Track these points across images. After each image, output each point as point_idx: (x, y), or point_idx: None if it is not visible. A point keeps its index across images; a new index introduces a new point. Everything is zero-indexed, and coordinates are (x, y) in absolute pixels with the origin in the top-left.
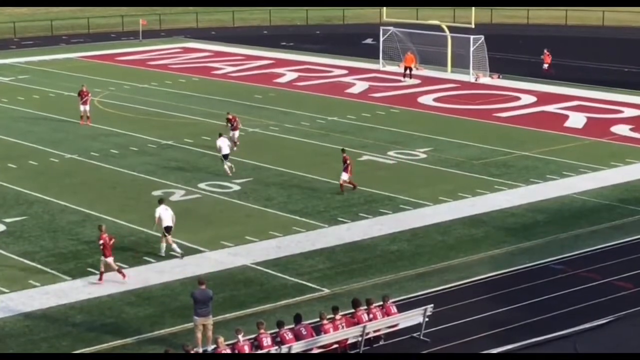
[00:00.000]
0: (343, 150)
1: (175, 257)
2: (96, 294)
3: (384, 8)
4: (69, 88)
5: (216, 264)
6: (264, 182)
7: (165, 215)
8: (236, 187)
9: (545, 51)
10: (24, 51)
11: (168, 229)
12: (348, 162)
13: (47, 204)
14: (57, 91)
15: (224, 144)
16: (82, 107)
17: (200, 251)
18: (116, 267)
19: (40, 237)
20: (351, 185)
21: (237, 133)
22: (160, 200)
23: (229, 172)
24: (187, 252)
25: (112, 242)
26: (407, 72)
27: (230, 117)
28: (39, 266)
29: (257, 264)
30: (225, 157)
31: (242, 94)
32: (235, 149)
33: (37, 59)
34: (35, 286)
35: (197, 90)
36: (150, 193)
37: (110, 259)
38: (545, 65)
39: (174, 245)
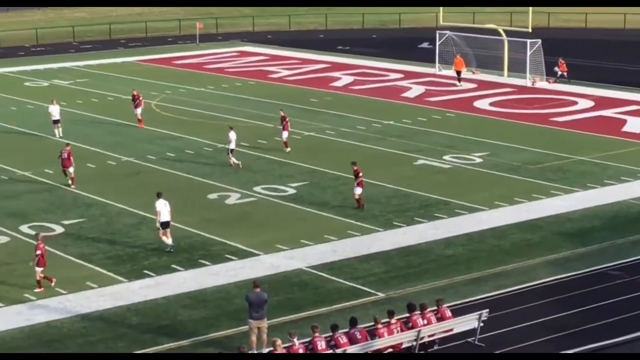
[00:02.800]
0: (354, 163)
1: (229, 259)
2: (152, 296)
3: (441, 11)
4: (126, 91)
5: (271, 268)
6: (319, 186)
7: (164, 210)
8: (292, 191)
9: (560, 60)
10: (83, 55)
11: (166, 225)
12: (360, 175)
13: (105, 207)
14: (115, 94)
15: (233, 138)
16: (136, 111)
17: (256, 254)
18: (40, 277)
19: (97, 239)
20: (361, 203)
21: (286, 134)
22: (159, 194)
23: (232, 165)
24: (243, 255)
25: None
26: (458, 76)
27: (282, 114)
28: (96, 268)
29: (312, 267)
30: (232, 151)
31: (298, 98)
32: (287, 150)
33: (95, 63)
34: (92, 288)
35: (253, 93)
36: (206, 196)
37: (40, 269)
38: (558, 72)
39: (169, 241)
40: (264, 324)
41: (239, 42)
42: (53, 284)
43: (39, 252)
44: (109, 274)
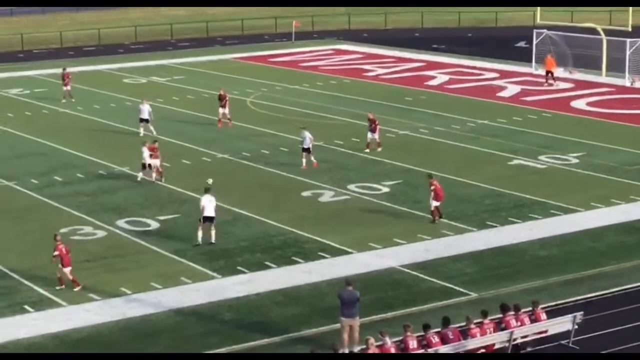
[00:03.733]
0: (430, 176)
1: (322, 257)
2: (245, 292)
3: (538, 10)
4: (222, 89)
5: (364, 266)
6: (413, 185)
7: (209, 205)
8: (385, 189)
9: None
10: (180, 52)
11: (209, 219)
12: (435, 187)
13: (198, 203)
14: (211, 92)
15: (307, 137)
16: (220, 110)
17: (348, 252)
18: (71, 278)
19: (191, 235)
20: (435, 216)
21: (376, 135)
22: (207, 190)
23: (304, 165)
24: (335, 253)
25: (69, 253)
26: (549, 75)
27: (371, 117)
28: (190, 263)
29: (405, 266)
30: (306, 150)
31: (392, 96)
32: (379, 149)
33: (192, 60)
34: (186, 283)
35: (348, 92)
36: (300, 193)
37: (67, 269)
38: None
39: (200, 236)
40: (356, 322)
41: (335, 40)
42: (78, 288)
43: (56, 252)
44: (203, 269)
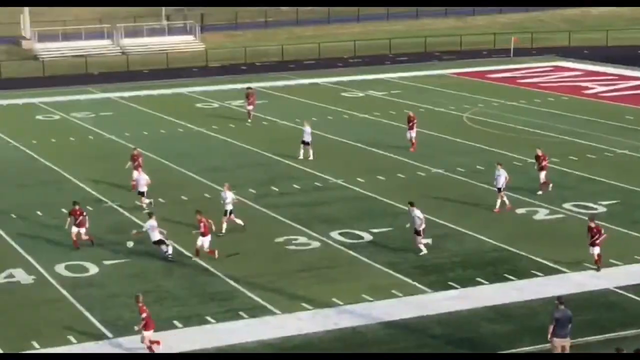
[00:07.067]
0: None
1: (535, 275)
2: (456, 307)
3: None
4: (439, 103)
5: (578, 286)
6: (631, 205)
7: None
8: (602, 209)
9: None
10: (398, 67)
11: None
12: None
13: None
14: (427, 107)
15: (501, 175)
16: (408, 134)
17: (562, 272)
18: (149, 343)
19: (404, 248)
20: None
21: (542, 174)
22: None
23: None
24: (549, 272)
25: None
26: None
27: (539, 154)
28: (401, 277)
29: (621, 288)
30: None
31: (612, 115)
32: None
33: (409, 75)
34: (397, 296)
35: (566, 109)
36: (515, 211)
37: (148, 333)
38: None
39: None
40: (568, 342)
41: (554, 56)
42: (159, 346)
43: (144, 315)
44: (414, 283)
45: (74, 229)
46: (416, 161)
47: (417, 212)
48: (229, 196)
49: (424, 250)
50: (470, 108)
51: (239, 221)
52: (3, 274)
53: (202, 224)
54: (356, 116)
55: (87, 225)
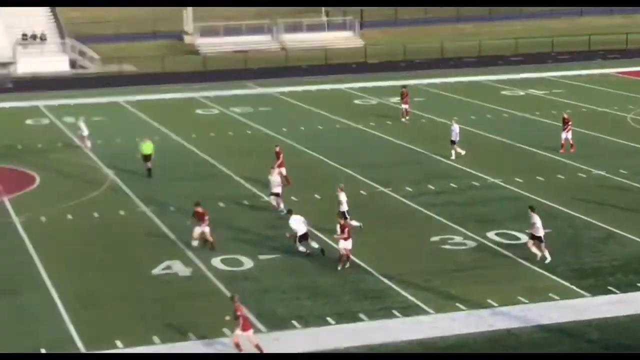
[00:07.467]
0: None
1: None
2: (614, 313)
3: None
4: (602, 103)
5: None
6: None
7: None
8: None
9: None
10: (560, 65)
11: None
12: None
13: (572, 219)
14: (588, 106)
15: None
16: (563, 135)
17: None
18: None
19: (562, 251)
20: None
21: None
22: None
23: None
24: None
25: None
26: None
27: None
28: (559, 280)
29: None
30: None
31: None
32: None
33: (571, 74)
34: (553, 299)
35: None
36: None
37: (247, 333)
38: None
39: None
40: None
41: None
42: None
43: (239, 313)
44: (572, 286)
45: (197, 229)
46: (576, 162)
47: (536, 219)
48: (344, 198)
49: (548, 258)
50: (634, 109)
51: (355, 223)
52: (161, 266)
53: (345, 229)
54: (516, 115)
55: (208, 226)
